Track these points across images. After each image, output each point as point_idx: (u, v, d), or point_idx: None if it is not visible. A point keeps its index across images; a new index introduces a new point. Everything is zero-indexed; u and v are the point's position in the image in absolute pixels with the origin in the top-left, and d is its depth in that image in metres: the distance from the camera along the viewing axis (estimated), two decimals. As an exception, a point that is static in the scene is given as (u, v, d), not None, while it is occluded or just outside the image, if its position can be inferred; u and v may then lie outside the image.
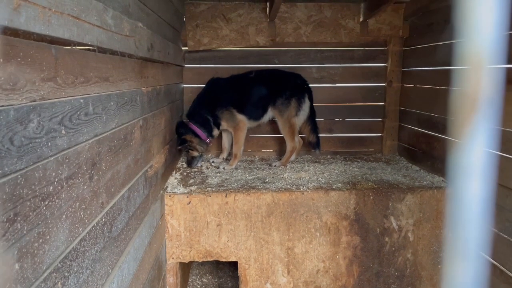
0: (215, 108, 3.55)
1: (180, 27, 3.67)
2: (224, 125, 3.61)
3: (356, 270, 3.01)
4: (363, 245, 2.99)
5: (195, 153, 3.56)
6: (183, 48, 3.90)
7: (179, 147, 3.50)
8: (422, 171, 3.52)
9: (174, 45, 3.26)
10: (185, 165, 3.67)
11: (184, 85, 4.04)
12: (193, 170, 3.54)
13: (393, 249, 3.00)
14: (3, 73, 0.91)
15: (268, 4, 3.84)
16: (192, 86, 4.04)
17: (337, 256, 2.99)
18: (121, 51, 1.78)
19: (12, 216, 0.93)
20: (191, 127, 3.49)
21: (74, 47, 1.31)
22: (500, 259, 2.50)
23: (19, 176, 0.96)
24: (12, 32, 0.94)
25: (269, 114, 3.66)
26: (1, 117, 0.89)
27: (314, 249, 2.96)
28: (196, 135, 3.49)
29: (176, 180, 3.18)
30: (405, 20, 3.93)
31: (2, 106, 0.90)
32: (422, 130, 3.64)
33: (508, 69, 2.43)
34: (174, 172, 3.43)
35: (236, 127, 3.58)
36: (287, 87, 3.61)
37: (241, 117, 3.56)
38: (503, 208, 2.47)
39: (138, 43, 2.04)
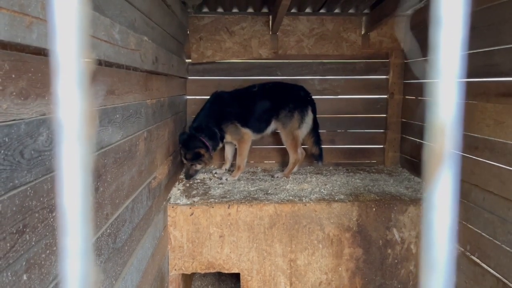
0: (220, 122, 3.58)
1: (184, 39, 3.72)
2: (228, 138, 3.64)
3: (359, 283, 3.01)
4: (365, 257, 2.99)
5: (199, 167, 3.56)
6: (187, 60, 3.94)
7: (191, 162, 3.47)
8: (423, 182, 3.52)
9: (178, 57, 3.31)
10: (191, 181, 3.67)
11: (188, 97, 4.08)
12: (196, 181, 3.55)
13: (396, 261, 3.00)
14: (14, 88, 0.94)
15: (270, 17, 3.90)
16: (196, 98, 4.07)
17: (340, 268, 2.98)
18: (127, 65, 1.81)
19: (21, 227, 0.95)
20: (203, 140, 3.46)
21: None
22: (503, 272, 2.49)
23: (28, 188, 0.98)
24: (24, 48, 0.97)
25: (272, 126, 3.69)
26: (13, 131, 0.92)
27: (317, 261, 2.96)
28: (207, 149, 3.47)
29: (179, 191, 3.20)
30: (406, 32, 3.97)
31: (14, 120, 0.93)
32: (424, 142, 3.65)
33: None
34: (177, 183, 3.44)
35: (240, 140, 3.61)
36: (290, 99, 3.64)
37: (245, 130, 3.59)
38: (505, 220, 2.47)
39: (144, 56, 2.08)
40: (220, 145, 3.67)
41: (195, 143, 3.42)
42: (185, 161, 3.51)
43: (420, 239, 2.98)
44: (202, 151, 3.43)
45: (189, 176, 3.56)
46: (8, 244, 0.90)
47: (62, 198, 0.32)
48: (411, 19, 3.88)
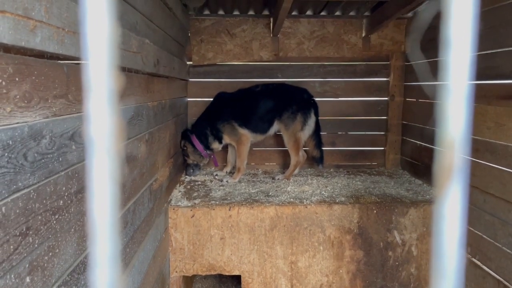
0: (217, 122, 3.61)
1: (185, 42, 3.73)
2: (226, 138, 3.66)
3: (360, 285, 3.01)
4: (366, 259, 2.99)
5: (189, 161, 3.74)
6: (188, 63, 3.95)
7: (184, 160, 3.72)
8: (425, 185, 3.53)
9: (179, 59, 3.32)
10: (188, 178, 3.70)
11: (189, 99, 4.09)
12: (197, 183, 3.56)
13: (397, 263, 3.00)
14: (18, 91, 0.94)
15: (271, 19, 3.91)
16: (197, 100, 4.08)
17: (341, 270, 2.98)
18: (128, 67, 1.82)
19: (24, 230, 0.95)
20: (190, 136, 3.66)
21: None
22: (504, 274, 2.49)
23: (31, 191, 0.98)
24: (27, 52, 0.98)
25: (275, 127, 3.69)
26: (16, 134, 0.92)
27: (318, 263, 2.96)
28: (192, 144, 3.65)
29: (180, 193, 3.20)
30: (407, 36, 3.98)
31: (17, 123, 0.93)
32: (424, 144, 3.66)
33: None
34: (178, 185, 3.45)
35: (238, 141, 3.62)
36: (293, 101, 3.65)
37: (243, 131, 3.60)
38: (506, 222, 2.48)
39: (145, 59, 2.08)
40: (217, 145, 3.70)
41: (182, 135, 3.68)
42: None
43: (425, 244, 2.99)
44: (182, 143, 3.67)
45: (186, 171, 3.80)
46: (11, 247, 0.90)
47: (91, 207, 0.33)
48: (411, 21, 3.89)
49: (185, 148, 3.67)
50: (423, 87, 3.78)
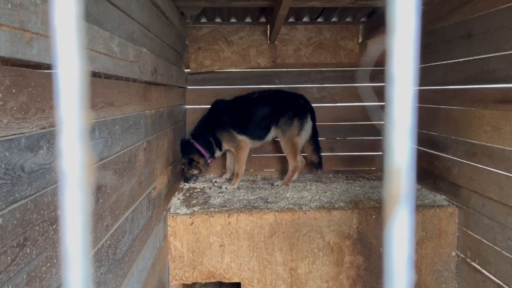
0: (216, 130, 3.63)
1: (182, 50, 3.75)
2: (225, 145, 3.67)
3: (360, 290, 3.00)
4: (366, 264, 2.98)
5: (196, 172, 3.70)
6: (186, 70, 3.97)
7: (186, 167, 3.66)
8: (423, 189, 3.53)
9: (176, 67, 3.33)
10: (187, 186, 3.70)
11: (187, 106, 4.10)
12: (196, 190, 3.56)
13: (397, 268, 2.99)
14: (15, 103, 0.95)
15: (268, 26, 3.93)
16: (195, 107, 4.09)
17: (341, 276, 2.98)
18: (126, 76, 1.83)
19: (22, 240, 0.95)
20: (197, 147, 3.62)
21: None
22: (504, 278, 2.49)
23: (29, 202, 0.99)
24: (24, 64, 0.99)
25: (272, 133, 3.71)
26: (13, 145, 0.93)
27: (317, 269, 2.96)
28: (202, 155, 3.63)
29: (179, 201, 3.20)
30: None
31: (14, 134, 0.94)
32: (422, 149, 3.67)
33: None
34: (177, 192, 3.45)
35: (237, 147, 3.63)
36: (289, 107, 3.67)
37: (242, 138, 3.62)
38: (505, 226, 2.48)
39: (143, 67, 2.10)
40: (219, 152, 3.72)
41: (189, 149, 3.61)
42: (182, 166, 3.67)
43: (424, 248, 2.99)
44: (196, 157, 3.62)
45: (186, 179, 3.73)
46: (9, 258, 0.91)
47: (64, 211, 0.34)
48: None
49: (197, 163, 3.63)
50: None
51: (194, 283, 3.68)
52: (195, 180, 3.77)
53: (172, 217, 2.87)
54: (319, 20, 4.02)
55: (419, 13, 0.32)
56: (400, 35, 0.32)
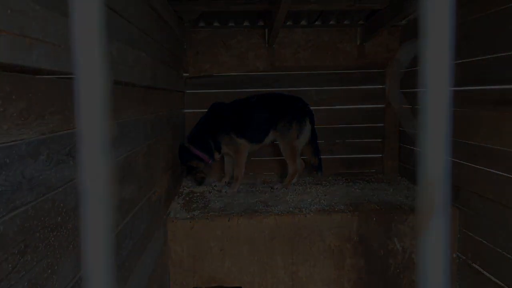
0: (215, 133, 3.61)
1: (181, 54, 3.75)
2: (224, 148, 3.66)
3: (361, 293, 2.99)
4: (367, 267, 2.97)
5: (203, 174, 3.74)
6: (184, 74, 3.97)
7: (187, 174, 3.73)
8: (423, 191, 3.53)
9: (175, 71, 3.33)
10: (187, 190, 3.69)
11: (186, 110, 4.10)
12: (195, 194, 3.55)
13: (398, 271, 2.99)
14: (15, 109, 0.94)
15: (266, 30, 3.94)
16: (194, 111, 4.09)
17: (342, 279, 2.97)
18: (125, 81, 1.82)
19: (23, 248, 0.95)
20: (195, 152, 3.55)
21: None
22: (505, 279, 2.48)
23: (29, 208, 0.98)
24: (24, 69, 0.98)
25: (271, 136, 3.70)
26: (13, 151, 0.92)
27: (318, 272, 2.95)
28: (201, 159, 3.60)
29: (179, 205, 3.19)
30: (401, 43, 4.01)
31: (15, 141, 0.93)
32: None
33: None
34: (177, 197, 3.44)
35: (237, 150, 3.62)
36: (288, 110, 3.66)
37: (241, 141, 3.61)
38: (505, 227, 2.48)
39: (142, 72, 2.09)
40: (218, 155, 3.70)
41: (187, 156, 3.57)
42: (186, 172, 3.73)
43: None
44: (194, 163, 3.61)
45: (198, 183, 3.78)
46: (10, 265, 0.90)
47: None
48: (405, 29, 3.92)
49: (197, 168, 3.66)
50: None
51: (194, 288, 3.66)
52: (206, 181, 3.82)
53: (172, 221, 2.86)
54: (317, 23, 4.02)
55: (453, 17, 0.31)
56: (435, 40, 0.31)
